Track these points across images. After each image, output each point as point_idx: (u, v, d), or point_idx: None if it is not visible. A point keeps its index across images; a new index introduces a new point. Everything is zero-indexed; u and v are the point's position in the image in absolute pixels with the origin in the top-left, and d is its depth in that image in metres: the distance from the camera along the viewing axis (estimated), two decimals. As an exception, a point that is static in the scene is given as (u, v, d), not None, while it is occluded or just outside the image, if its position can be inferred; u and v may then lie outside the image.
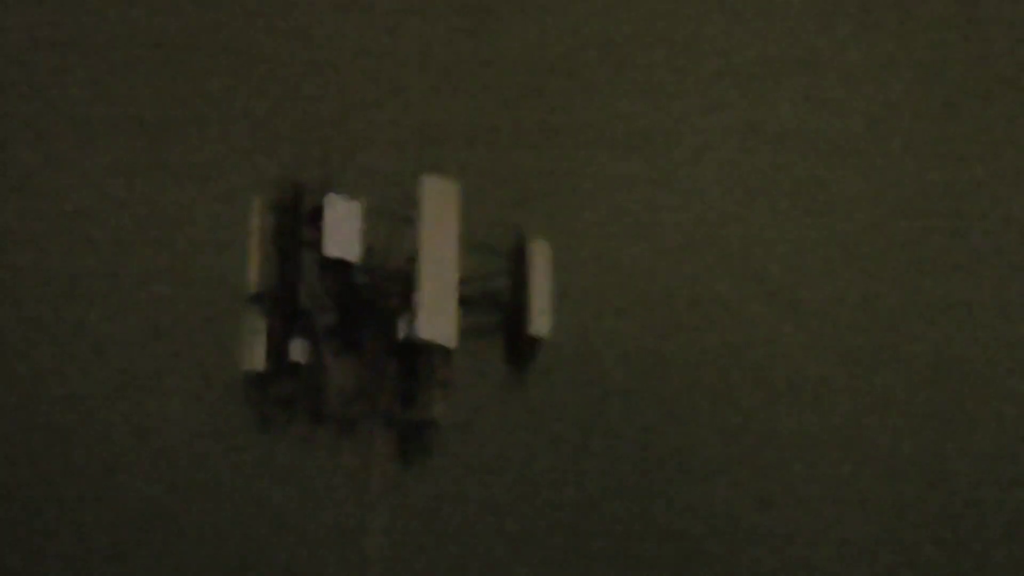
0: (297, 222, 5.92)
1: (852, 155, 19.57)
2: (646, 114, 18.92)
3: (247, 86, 15.38)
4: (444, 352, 5.85)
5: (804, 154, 19.58)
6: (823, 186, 19.21)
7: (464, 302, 6.11)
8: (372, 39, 16.59)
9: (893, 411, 17.63)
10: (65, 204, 14.51)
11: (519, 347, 6.20)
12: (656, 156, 18.08)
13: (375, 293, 5.93)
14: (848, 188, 19.53)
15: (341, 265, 5.77)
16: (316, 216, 5.84)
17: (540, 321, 6.17)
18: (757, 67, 19.32)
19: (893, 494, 17.66)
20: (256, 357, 5.90)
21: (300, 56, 15.96)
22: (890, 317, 18.13)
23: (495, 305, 6.44)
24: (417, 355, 5.90)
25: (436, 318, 5.74)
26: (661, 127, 18.95)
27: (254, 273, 5.93)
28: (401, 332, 5.86)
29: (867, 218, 19.58)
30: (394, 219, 6.19)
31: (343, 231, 5.74)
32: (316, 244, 5.78)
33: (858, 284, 18.48)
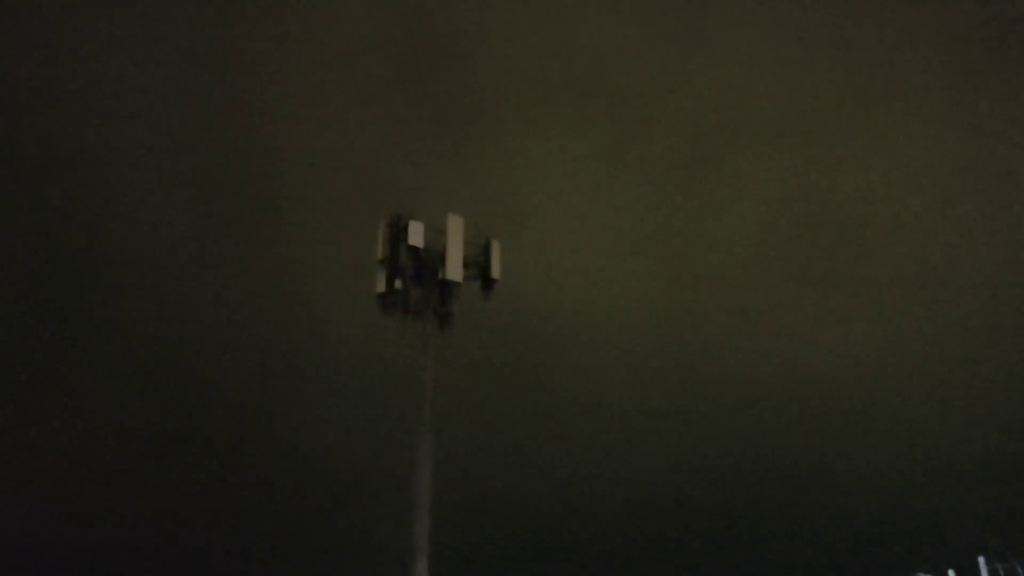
0: (398, 230, 14.80)
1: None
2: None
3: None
4: (455, 284, 14.75)
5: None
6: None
7: (464, 265, 15.00)
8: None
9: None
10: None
11: (486, 283, 15.14)
12: (572, 189, 30.28)
13: (429, 260, 14.83)
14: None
15: (416, 249, 14.64)
16: (405, 229, 14.72)
17: (495, 271, 15.12)
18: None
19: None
20: (380, 284, 14.76)
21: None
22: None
23: (477, 267, 15.35)
24: (446, 284, 14.80)
25: (453, 270, 14.63)
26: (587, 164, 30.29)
27: (381, 251, 14.79)
28: (440, 275, 14.76)
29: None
30: (436, 229, 15.06)
31: (416, 234, 14.63)
32: (406, 241, 14.65)
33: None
